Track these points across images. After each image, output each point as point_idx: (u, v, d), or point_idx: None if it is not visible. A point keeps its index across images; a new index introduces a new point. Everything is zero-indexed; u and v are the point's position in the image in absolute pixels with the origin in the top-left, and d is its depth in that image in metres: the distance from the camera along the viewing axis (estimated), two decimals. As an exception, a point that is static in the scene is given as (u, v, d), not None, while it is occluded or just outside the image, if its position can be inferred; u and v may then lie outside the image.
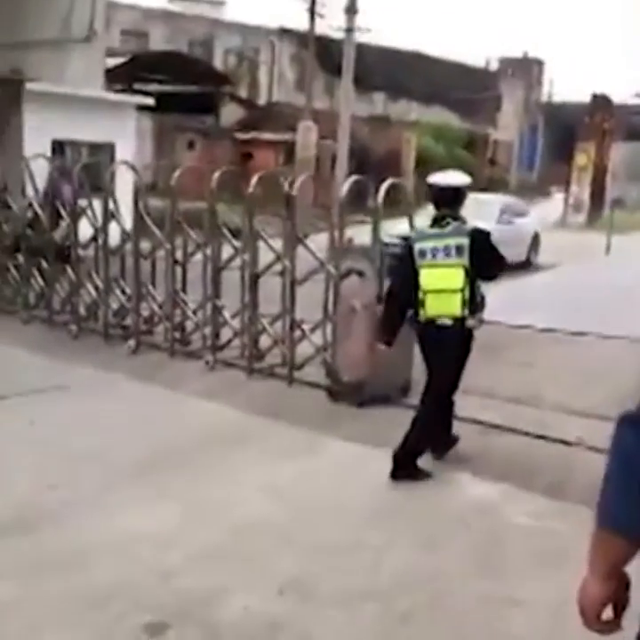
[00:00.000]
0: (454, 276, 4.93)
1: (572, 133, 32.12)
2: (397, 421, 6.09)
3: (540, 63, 55.92)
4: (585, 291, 12.33)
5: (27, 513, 4.48)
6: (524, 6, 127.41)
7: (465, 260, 4.91)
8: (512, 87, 50.31)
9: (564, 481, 5.18)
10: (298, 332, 7.01)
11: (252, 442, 5.75)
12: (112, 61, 22.14)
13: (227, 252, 7.60)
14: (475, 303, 5.01)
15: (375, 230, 6.31)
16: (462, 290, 4.93)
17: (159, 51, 29.57)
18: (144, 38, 32.79)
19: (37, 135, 13.35)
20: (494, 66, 52.94)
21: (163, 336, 8.01)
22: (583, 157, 29.81)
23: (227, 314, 7.59)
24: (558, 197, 34.62)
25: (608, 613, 1.84)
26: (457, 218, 5.02)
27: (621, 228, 21.44)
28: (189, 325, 8.01)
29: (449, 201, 5.04)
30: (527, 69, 53.66)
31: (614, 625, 1.85)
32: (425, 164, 31.53)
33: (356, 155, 26.19)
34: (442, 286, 4.96)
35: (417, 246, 5.02)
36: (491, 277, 5.15)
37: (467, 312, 4.96)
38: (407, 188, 6.73)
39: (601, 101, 31.11)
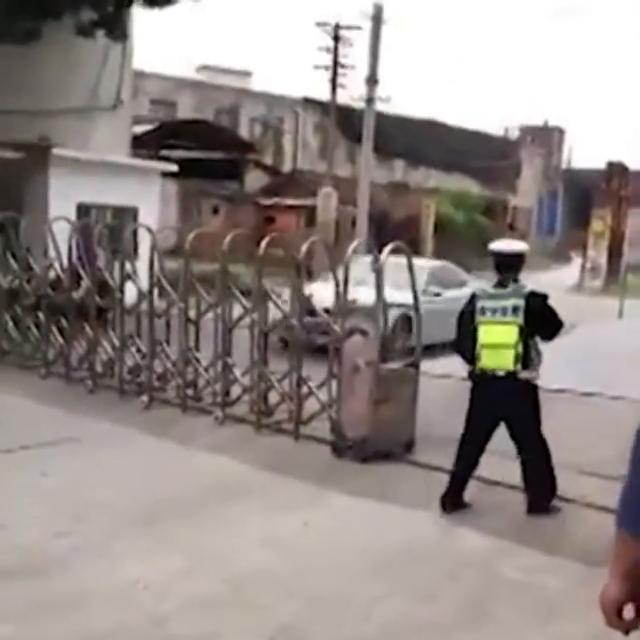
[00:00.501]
0: (508, 333, 5.36)
1: (591, 199, 32.48)
2: (400, 477, 6.23)
3: (560, 131, 56.76)
4: (595, 352, 12.40)
5: (34, 559, 4.62)
6: (543, 74, 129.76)
7: (520, 319, 5.35)
8: (531, 154, 51.02)
9: (561, 537, 5.25)
10: (305, 389, 7.19)
11: (257, 495, 5.87)
12: (141, 129, 22.87)
13: (238, 311, 7.85)
14: (529, 358, 5.40)
15: (378, 291, 6.52)
16: (515, 346, 5.35)
17: (186, 119, 30.38)
18: (172, 107, 33.77)
19: (63, 199, 13.66)
20: (514, 134, 53.81)
21: (175, 392, 8.20)
22: (600, 224, 30.02)
23: (237, 371, 7.79)
24: (578, 262, 34.73)
25: (630, 612, 1.91)
26: (517, 280, 5.49)
27: (637, 293, 21.50)
28: (201, 382, 8.22)
29: (511, 265, 5.54)
30: (548, 137, 54.46)
31: (634, 623, 1.92)
32: (443, 229, 32.02)
33: (374, 220, 26.64)
34: (496, 341, 5.40)
35: (479, 304, 5.52)
36: (547, 337, 5.56)
37: (519, 367, 5.36)
38: (408, 250, 6.97)
39: (617, 169, 31.47)
